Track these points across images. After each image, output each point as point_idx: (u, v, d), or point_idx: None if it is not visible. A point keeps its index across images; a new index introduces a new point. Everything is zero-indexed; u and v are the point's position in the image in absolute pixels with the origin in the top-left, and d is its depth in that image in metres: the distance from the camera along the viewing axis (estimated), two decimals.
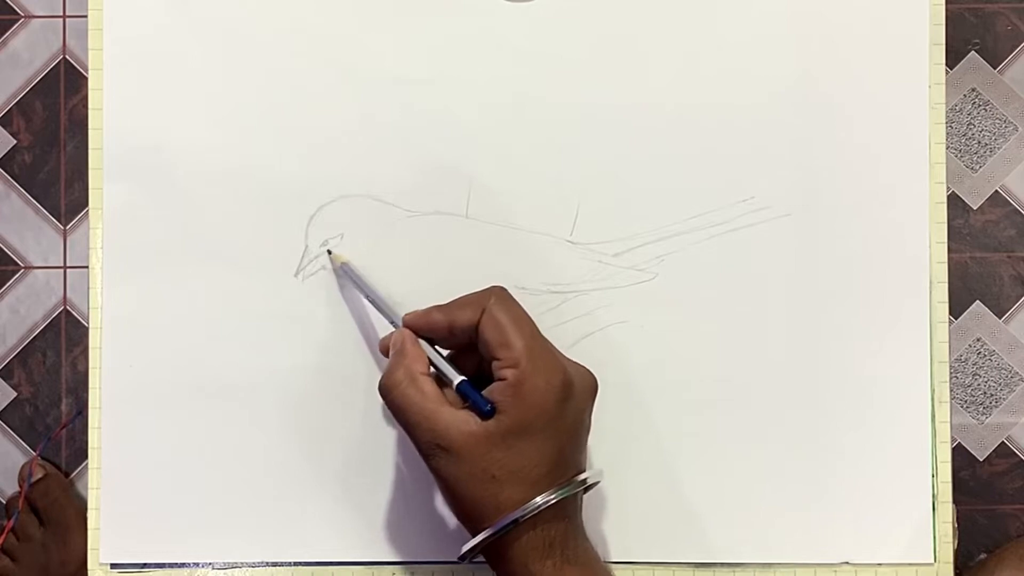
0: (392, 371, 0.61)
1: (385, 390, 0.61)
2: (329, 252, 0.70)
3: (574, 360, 0.62)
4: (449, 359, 0.63)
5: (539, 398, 0.58)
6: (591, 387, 0.62)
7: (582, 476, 0.60)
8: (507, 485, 0.58)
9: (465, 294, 0.62)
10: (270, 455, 0.70)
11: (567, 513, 0.60)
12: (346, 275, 0.69)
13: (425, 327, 0.63)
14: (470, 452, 0.58)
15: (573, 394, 0.59)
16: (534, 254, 0.71)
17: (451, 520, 0.70)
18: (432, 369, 0.62)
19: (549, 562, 0.58)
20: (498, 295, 0.61)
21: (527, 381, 0.58)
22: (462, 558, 0.61)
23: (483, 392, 0.59)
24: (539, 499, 0.58)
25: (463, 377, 0.61)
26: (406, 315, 0.64)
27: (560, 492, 0.58)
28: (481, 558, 0.61)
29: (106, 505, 0.70)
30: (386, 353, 0.65)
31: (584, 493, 0.62)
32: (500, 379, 0.59)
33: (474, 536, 0.59)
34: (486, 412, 0.58)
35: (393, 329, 0.65)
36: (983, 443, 1.40)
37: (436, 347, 0.63)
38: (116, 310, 0.70)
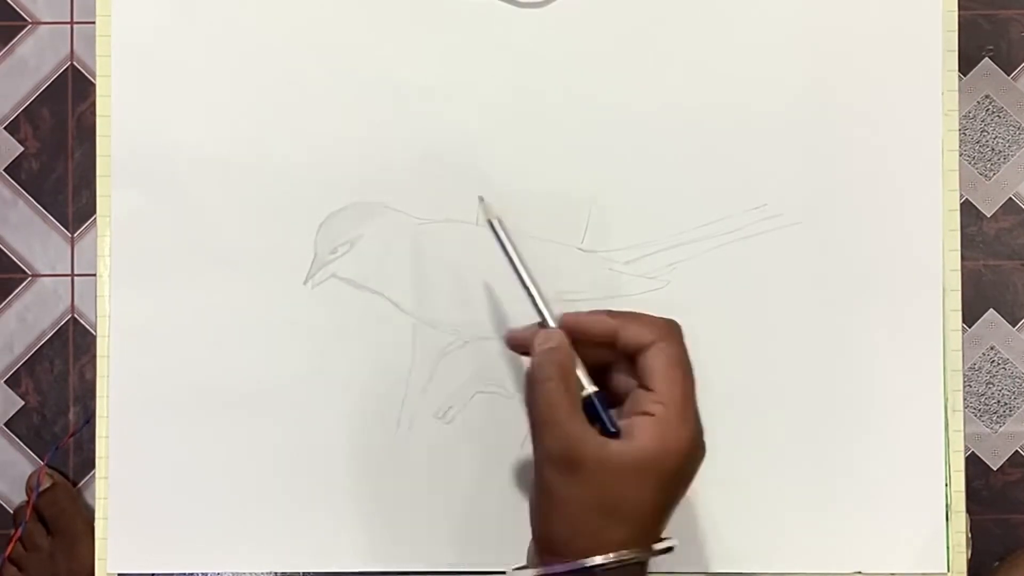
0: (544, 365, 0.58)
1: (534, 382, 0.58)
2: (481, 199, 0.66)
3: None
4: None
5: (680, 447, 0.56)
6: (704, 455, 0.59)
7: (670, 542, 0.58)
8: (615, 523, 0.56)
9: (638, 311, 0.60)
10: (278, 463, 0.70)
11: (644, 572, 0.58)
12: (494, 235, 0.64)
13: (586, 328, 0.60)
14: (597, 477, 0.55)
15: (700, 455, 0.58)
16: (545, 262, 0.70)
17: (458, 528, 0.70)
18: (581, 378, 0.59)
19: None
20: (677, 331, 0.59)
21: (676, 426, 0.56)
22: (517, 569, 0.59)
23: (623, 421, 0.57)
24: (635, 552, 0.55)
25: (596, 388, 0.59)
26: (566, 314, 0.60)
27: (655, 553, 0.56)
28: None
29: (114, 514, 0.70)
30: (516, 346, 0.62)
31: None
32: (646, 412, 0.56)
33: (542, 557, 0.57)
34: (612, 433, 0.56)
35: (537, 321, 0.62)
36: (997, 452, 1.39)
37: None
38: (124, 318, 0.70)
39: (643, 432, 0.56)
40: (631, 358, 0.58)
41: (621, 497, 0.55)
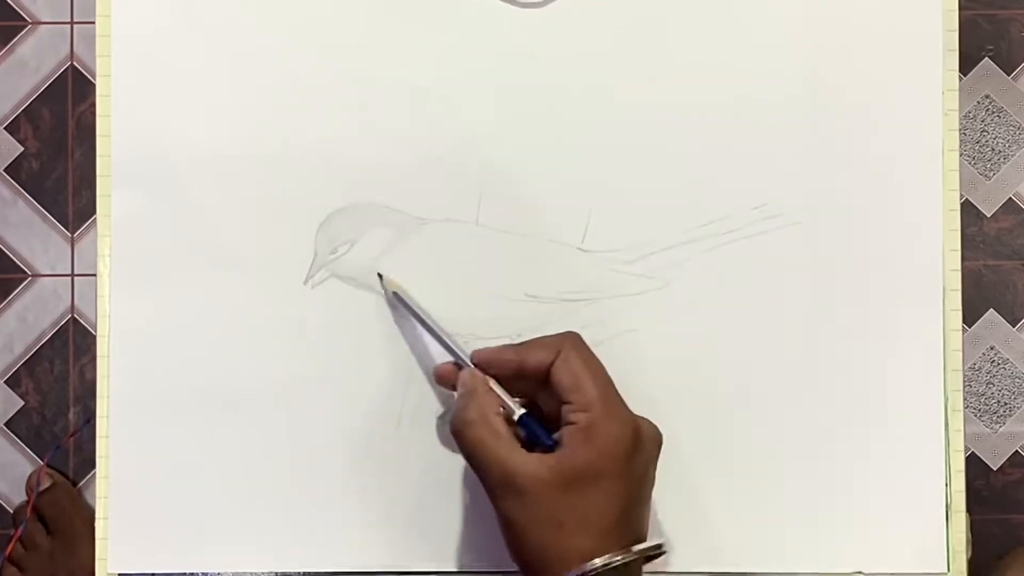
0: (464, 409, 0.61)
1: (458, 428, 0.61)
2: (380, 276, 0.70)
3: (640, 415, 0.62)
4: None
5: (611, 444, 0.58)
6: (657, 440, 0.62)
7: (652, 543, 0.60)
8: (575, 533, 0.57)
9: (539, 336, 0.63)
10: (278, 463, 0.70)
11: (630, 573, 0.59)
12: (399, 303, 0.69)
13: (495, 365, 0.63)
14: (540, 495, 0.58)
15: (643, 444, 0.60)
16: (545, 262, 0.70)
17: (458, 528, 0.70)
18: (502, 409, 0.62)
19: None
20: (573, 341, 0.62)
21: (599, 426, 0.58)
22: None
23: (553, 435, 0.60)
24: (603, 559, 0.57)
25: (524, 410, 0.62)
26: (475, 352, 0.64)
27: (628, 556, 0.58)
28: None
29: (114, 514, 0.70)
30: (443, 382, 0.67)
31: (646, 563, 0.61)
32: (570, 423, 0.59)
33: None
34: (548, 445, 0.59)
35: (449, 358, 0.66)
36: (997, 452, 1.39)
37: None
38: (124, 318, 0.70)
39: (571, 440, 0.59)
40: (545, 382, 0.62)
41: (571, 507, 0.58)
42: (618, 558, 0.57)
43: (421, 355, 0.70)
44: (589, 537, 0.57)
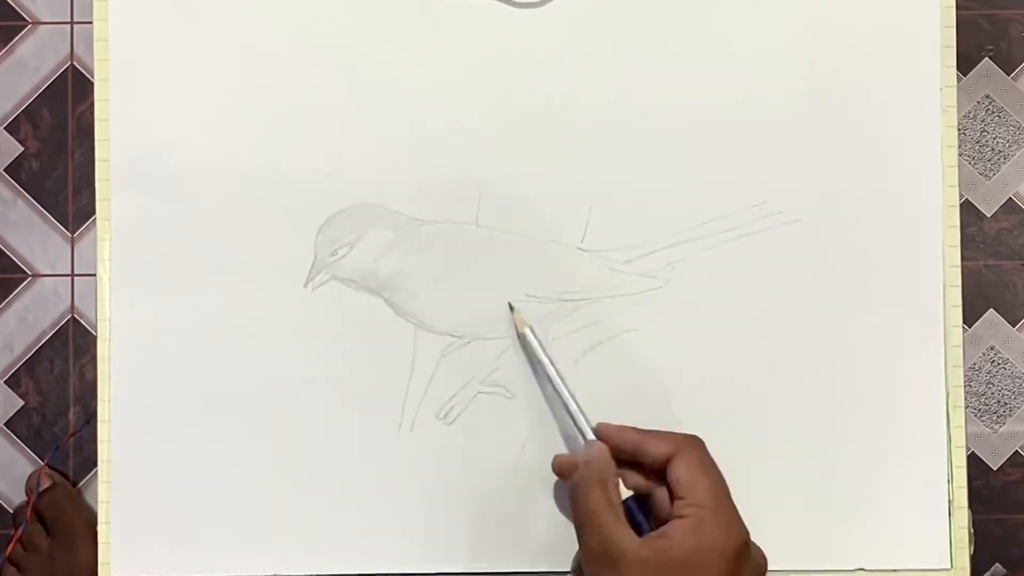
0: (588, 471, 0.62)
1: (577, 488, 0.62)
2: (511, 307, 0.70)
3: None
4: None
5: (718, 542, 0.59)
6: (762, 569, 0.62)
7: None
8: None
9: (663, 430, 0.64)
10: (280, 466, 0.70)
11: None
12: (529, 351, 0.69)
13: (616, 440, 0.64)
14: (634, 571, 0.58)
15: (749, 558, 0.60)
16: (545, 262, 0.70)
17: (460, 529, 0.70)
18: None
19: None
20: (698, 442, 0.63)
21: (709, 523, 0.59)
22: None
23: (661, 528, 0.60)
24: None
25: (631, 493, 0.63)
26: (600, 424, 0.65)
27: None
28: None
29: (116, 518, 0.70)
30: (561, 474, 0.67)
31: None
32: (680, 516, 0.59)
33: None
34: (644, 531, 0.60)
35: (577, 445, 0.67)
36: (997, 452, 1.39)
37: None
38: (124, 321, 0.70)
39: (677, 531, 0.59)
40: (661, 472, 0.62)
41: None
42: None
43: (422, 356, 0.70)
44: None
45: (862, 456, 0.70)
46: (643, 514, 0.62)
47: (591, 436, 0.65)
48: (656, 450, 0.62)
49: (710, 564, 0.58)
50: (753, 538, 0.61)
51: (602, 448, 0.64)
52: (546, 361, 0.67)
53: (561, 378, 0.67)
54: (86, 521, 1.30)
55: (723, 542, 0.59)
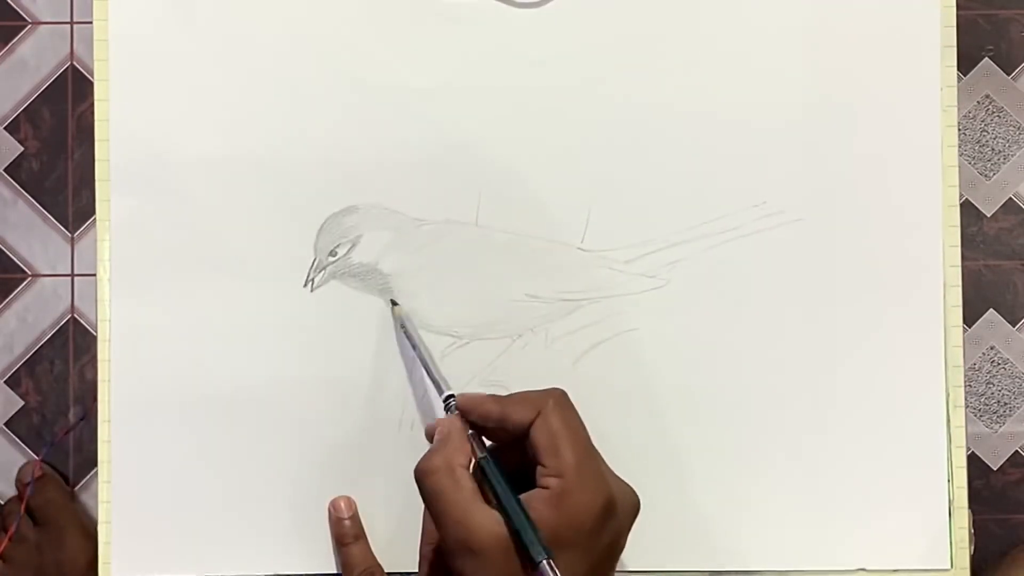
0: (431, 457, 0.58)
1: (420, 475, 0.58)
2: (393, 303, 0.69)
3: (619, 477, 0.59)
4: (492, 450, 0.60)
5: (580, 515, 0.55)
6: (633, 508, 0.59)
7: None
8: None
9: (523, 391, 0.60)
10: (280, 466, 0.70)
11: None
12: (403, 332, 0.68)
13: (477, 415, 0.60)
14: (498, 557, 0.54)
15: (615, 514, 0.57)
16: (545, 262, 0.70)
17: None
18: (473, 464, 0.59)
19: None
20: (556, 399, 0.59)
21: (571, 495, 0.55)
22: None
23: (522, 496, 0.56)
24: None
25: (485, 455, 0.59)
26: (459, 396, 0.62)
27: None
28: None
29: (117, 518, 0.70)
30: (431, 438, 0.62)
31: None
32: (542, 487, 0.56)
33: None
34: (502, 490, 0.56)
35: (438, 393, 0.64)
36: (997, 452, 1.39)
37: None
38: (124, 322, 0.70)
39: (538, 505, 0.55)
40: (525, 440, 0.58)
41: (526, 574, 0.54)
42: None
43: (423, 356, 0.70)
44: None
45: (862, 456, 0.70)
46: (500, 477, 0.57)
47: (442, 414, 0.62)
48: (520, 417, 0.58)
49: (574, 534, 0.55)
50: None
51: (452, 424, 0.60)
52: (418, 340, 0.67)
53: (432, 359, 0.66)
54: (74, 513, 1.29)
55: (586, 510, 0.55)
